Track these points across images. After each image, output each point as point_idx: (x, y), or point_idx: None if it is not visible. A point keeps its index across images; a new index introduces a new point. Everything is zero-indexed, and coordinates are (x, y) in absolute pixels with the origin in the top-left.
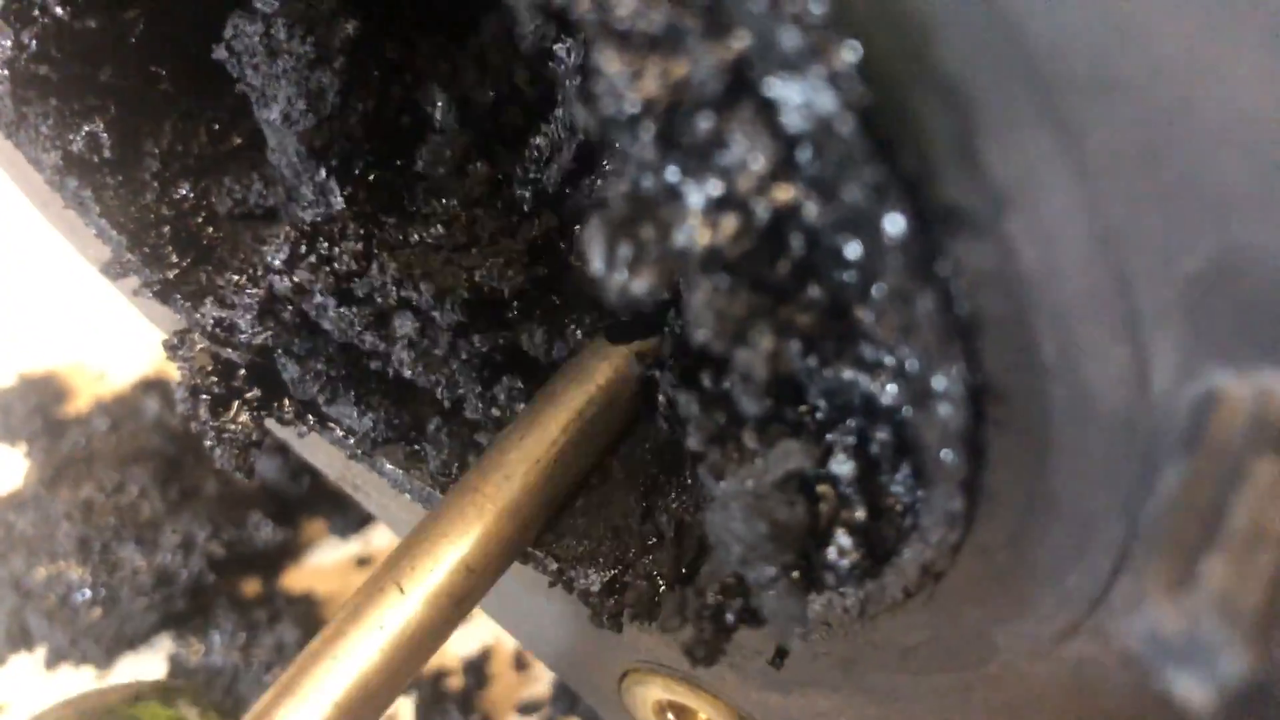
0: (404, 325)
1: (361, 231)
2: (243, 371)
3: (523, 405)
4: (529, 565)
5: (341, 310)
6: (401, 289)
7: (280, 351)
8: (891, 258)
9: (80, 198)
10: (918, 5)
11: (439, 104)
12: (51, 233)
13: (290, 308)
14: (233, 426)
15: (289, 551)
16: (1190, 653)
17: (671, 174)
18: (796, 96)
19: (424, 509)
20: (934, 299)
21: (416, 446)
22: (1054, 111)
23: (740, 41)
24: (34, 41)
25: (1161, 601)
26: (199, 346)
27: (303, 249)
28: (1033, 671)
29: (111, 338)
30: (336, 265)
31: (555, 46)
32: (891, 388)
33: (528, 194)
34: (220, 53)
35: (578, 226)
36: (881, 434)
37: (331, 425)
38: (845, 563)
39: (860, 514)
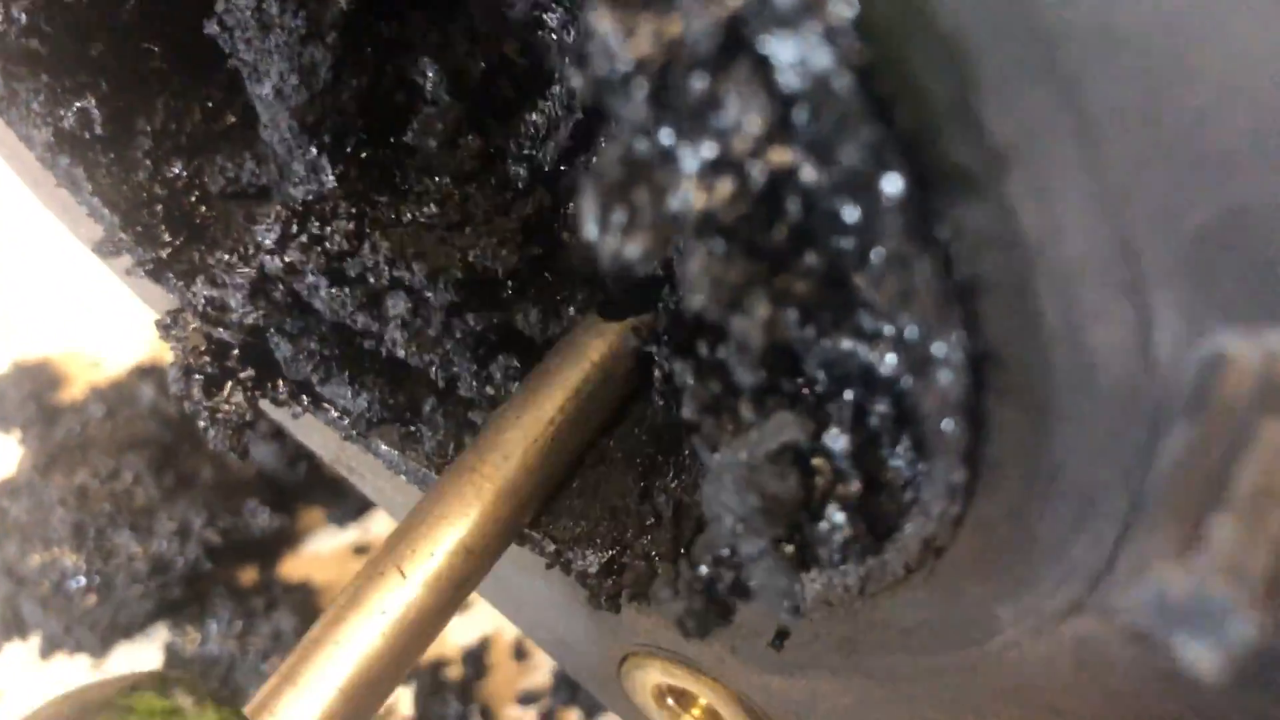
0: (396, 305)
1: (353, 210)
2: (236, 351)
3: (517, 384)
4: (527, 548)
5: (333, 290)
6: (394, 269)
7: (273, 330)
8: (890, 221)
9: (72, 175)
10: None
11: (430, 75)
12: (45, 220)
13: (281, 287)
14: (226, 407)
15: (286, 539)
16: (1198, 617)
17: (665, 136)
18: (792, 54)
19: (419, 490)
20: (933, 263)
21: (412, 427)
22: (1055, 67)
23: None
24: (24, 15)
25: (1168, 566)
26: (192, 326)
27: (294, 228)
28: (1036, 650)
29: (106, 324)
30: (328, 245)
31: (545, 15)
32: (890, 357)
33: (522, 171)
34: (212, 27)
35: (572, 204)
36: (881, 405)
37: (326, 406)
38: (839, 538)
39: (855, 488)
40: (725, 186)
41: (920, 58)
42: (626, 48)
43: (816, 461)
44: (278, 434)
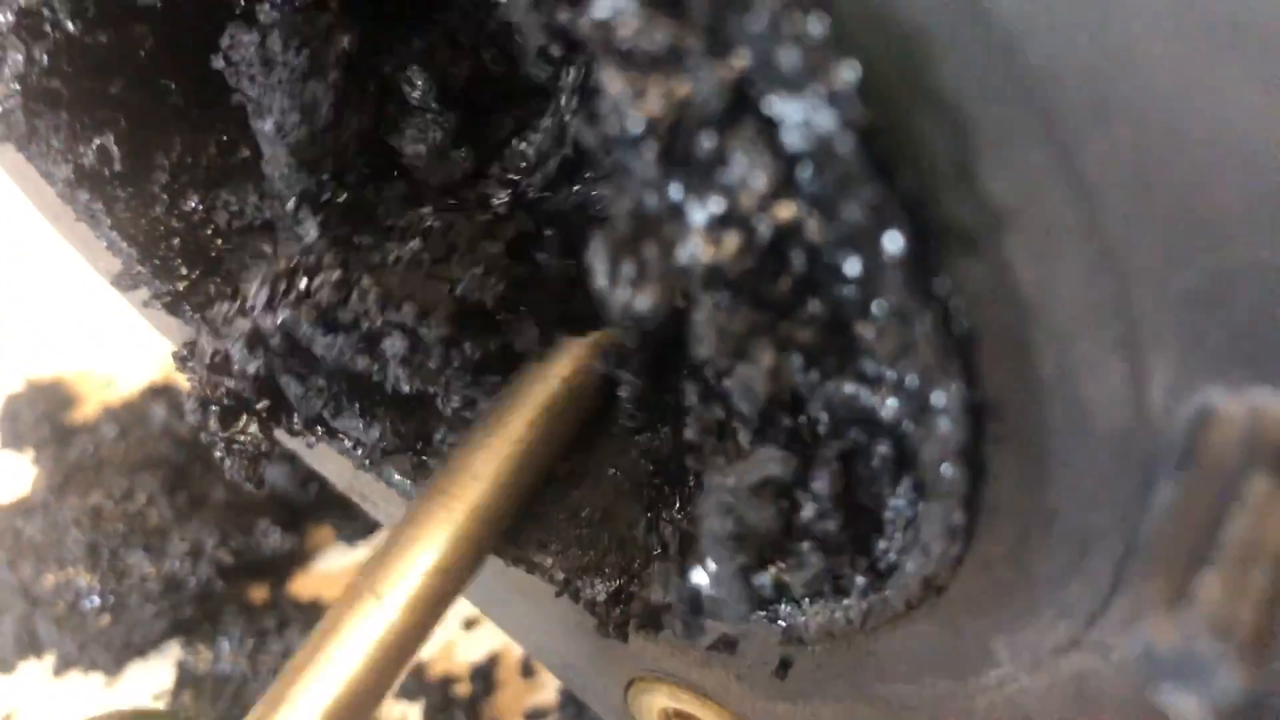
0: (394, 345)
1: (339, 258)
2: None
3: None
4: (536, 575)
5: (328, 339)
6: (385, 313)
7: (280, 372)
8: (891, 275)
9: (91, 210)
10: (916, 26)
11: (419, 84)
12: (56, 240)
13: (278, 338)
14: (242, 438)
15: (297, 558)
16: (1185, 669)
17: (674, 192)
18: (797, 115)
19: None
20: (933, 316)
21: (424, 456)
22: (1051, 132)
23: (741, 61)
24: (45, 56)
25: (1156, 618)
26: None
27: (282, 286)
28: (1034, 683)
29: (120, 344)
30: (317, 298)
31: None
32: (892, 402)
33: (504, 195)
34: (218, 62)
35: (550, 231)
36: (882, 447)
37: (340, 436)
38: (806, 574)
39: (833, 528)
40: (732, 241)
41: (921, 122)
42: (637, 108)
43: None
44: (290, 455)
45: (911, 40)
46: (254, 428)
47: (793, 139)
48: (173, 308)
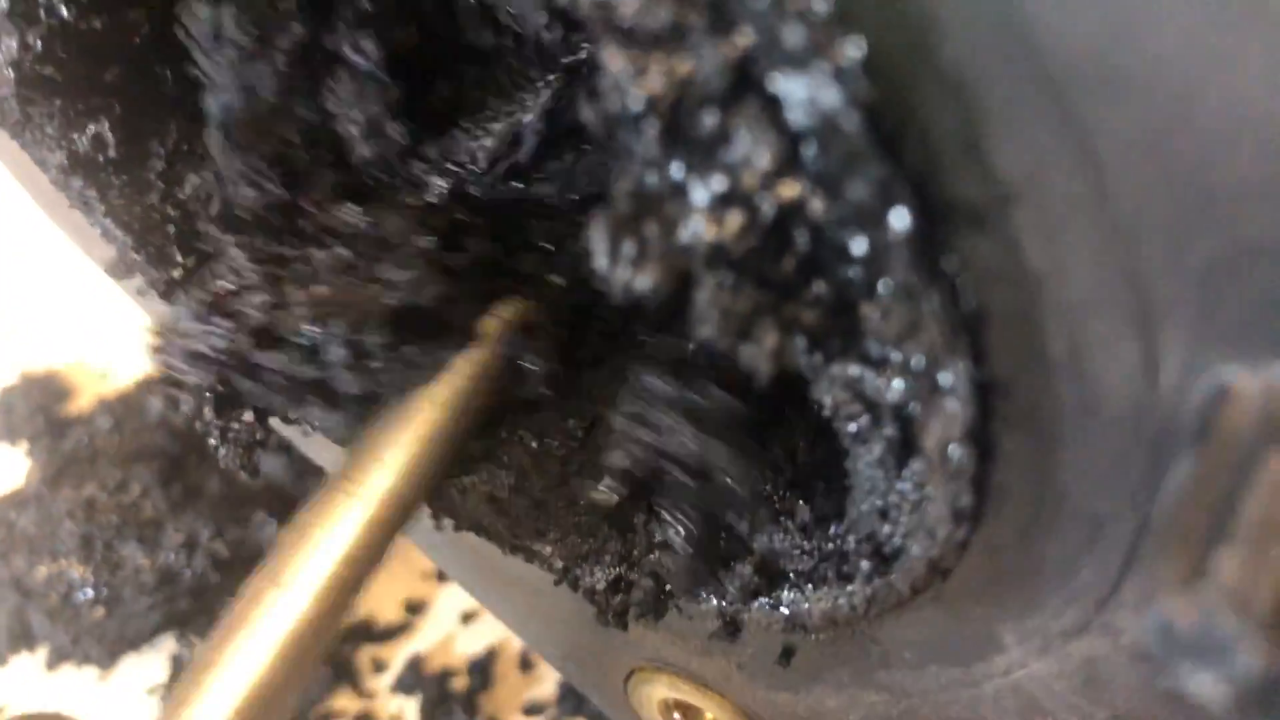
0: (334, 353)
1: (267, 276)
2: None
3: None
4: (535, 564)
5: (268, 354)
6: (318, 326)
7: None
8: (897, 253)
9: (85, 197)
10: (921, 0)
11: (368, 49)
12: (53, 231)
13: (219, 354)
14: (236, 426)
15: None
16: (1204, 648)
17: (676, 171)
18: (801, 93)
19: (426, 507)
20: (940, 295)
21: None
22: (1060, 105)
23: (744, 38)
24: (39, 42)
25: (1173, 597)
26: None
27: (209, 311)
28: (1042, 668)
29: (113, 336)
30: (248, 319)
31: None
32: (898, 383)
33: (443, 184)
34: (180, 30)
35: (480, 219)
36: (888, 429)
37: (299, 422)
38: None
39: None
40: (735, 219)
41: (927, 97)
42: (639, 86)
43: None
44: (285, 446)
45: (916, 14)
46: (248, 416)
47: (797, 116)
48: (167, 296)
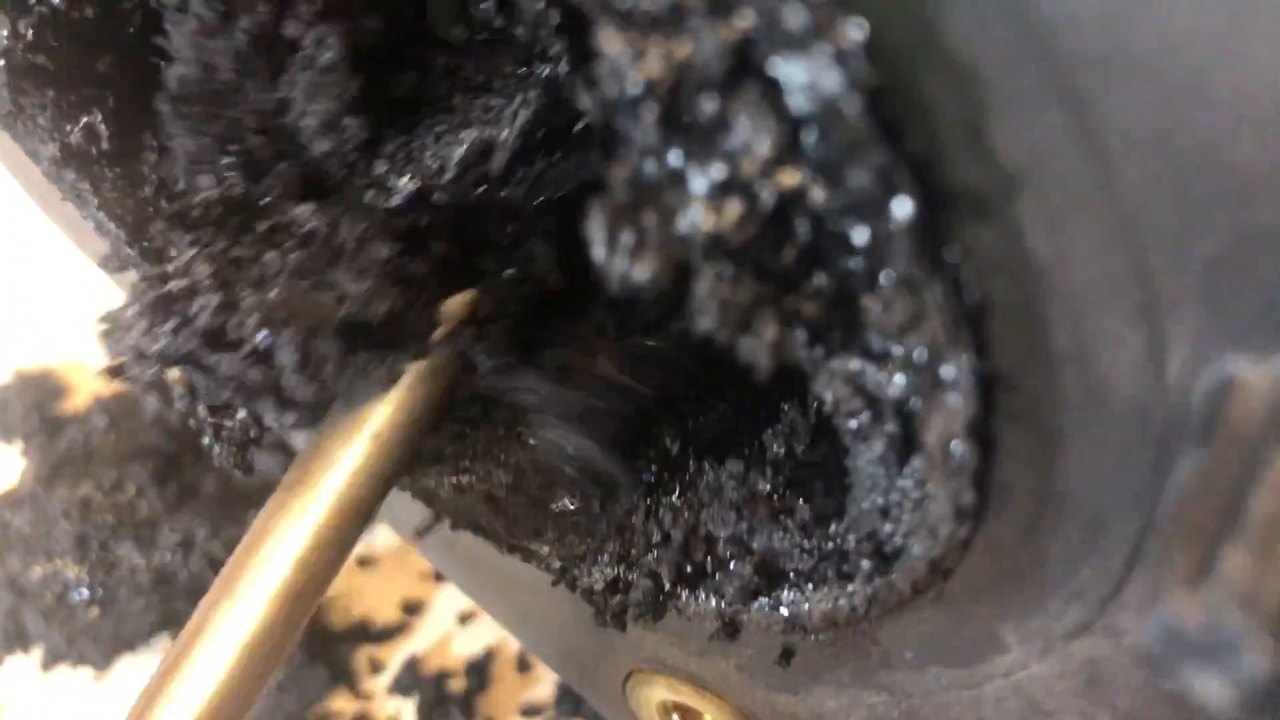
0: (285, 357)
1: (218, 278)
2: None
3: None
4: (532, 564)
5: (216, 357)
6: (269, 332)
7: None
8: (899, 243)
9: (78, 190)
10: None
11: (332, 46)
12: (48, 227)
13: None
14: (230, 423)
15: None
16: (1210, 648)
17: (674, 158)
18: (802, 77)
19: (425, 508)
20: (943, 286)
21: None
22: (1066, 90)
23: (744, 20)
24: (30, 31)
25: (1179, 595)
26: None
27: (157, 317)
28: (1043, 669)
29: None
30: (197, 324)
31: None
32: (899, 378)
33: (406, 185)
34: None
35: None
36: (889, 425)
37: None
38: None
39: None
40: (734, 208)
41: (930, 81)
42: (636, 69)
43: None
44: (281, 445)
45: None
46: (243, 412)
47: (798, 102)
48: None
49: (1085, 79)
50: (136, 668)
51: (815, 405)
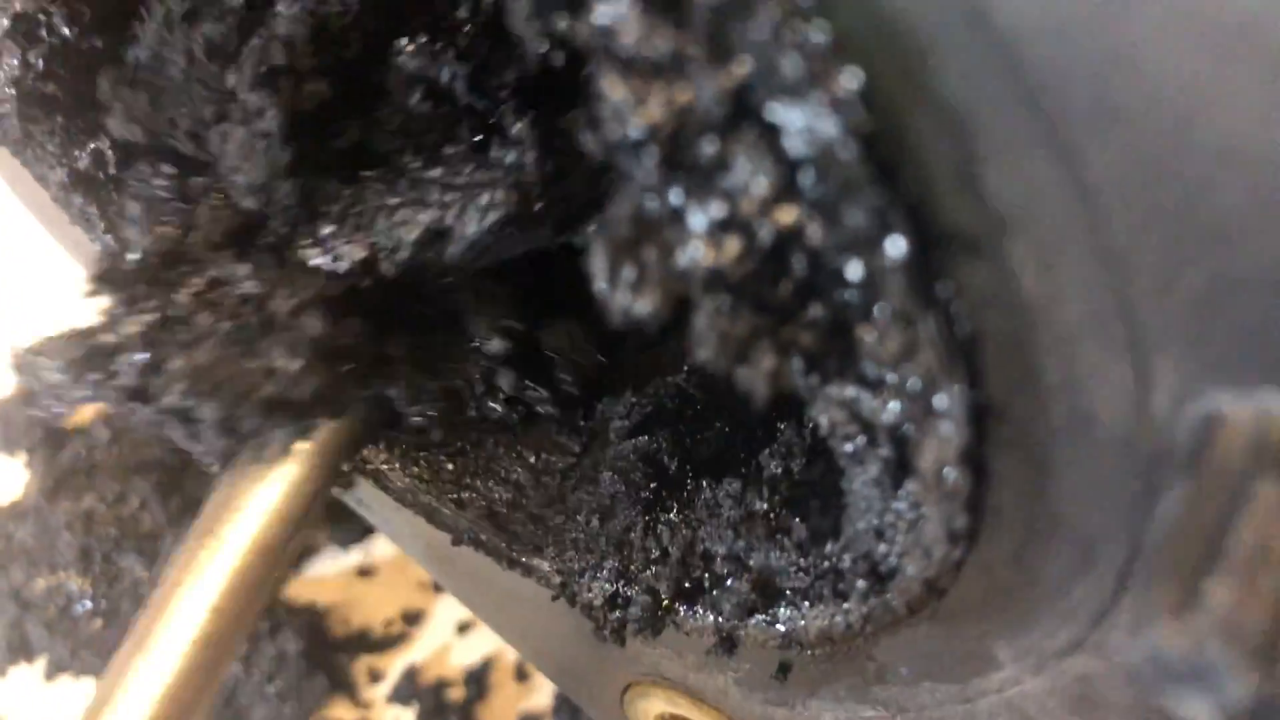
0: (205, 419)
1: (146, 337)
2: None
3: None
4: (533, 579)
5: (138, 411)
6: (191, 400)
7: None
8: (893, 279)
9: (86, 214)
10: (918, 32)
11: (264, 109)
12: (50, 243)
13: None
14: None
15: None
16: (1195, 675)
17: (675, 196)
18: (799, 121)
19: (426, 522)
20: (935, 320)
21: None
22: (1054, 137)
23: (743, 68)
24: (40, 61)
25: (1165, 623)
26: None
27: (85, 369)
28: (1036, 686)
29: None
30: (120, 381)
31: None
32: (894, 405)
33: (354, 251)
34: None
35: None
36: (884, 450)
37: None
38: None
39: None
40: (733, 245)
41: (923, 127)
42: (638, 115)
43: None
44: None
45: (913, 46)
46: None
47: (795, 145)
48: None
49: (1073, 127)
50: None
51: (812, 426)
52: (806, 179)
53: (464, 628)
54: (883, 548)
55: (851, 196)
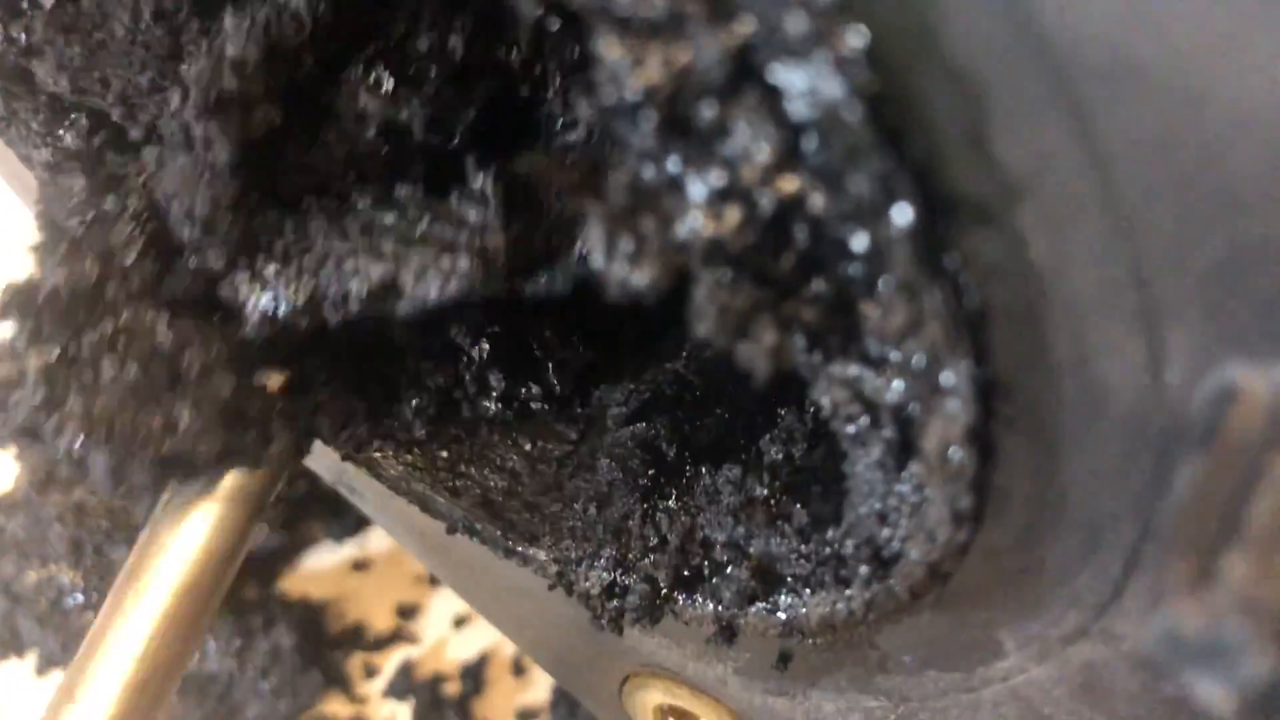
0: (97, 467)
1: (45, 373)
2: None
3: None
4: (529, 569)
5: (33, 447)
6: (82, 447)
7: None
8: (899, 250)
9: None
10: None
11: (217, 144)
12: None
13: None
14: None
15: (284, 556)
16: (1211, 653)
17: (673, 164)
18: (802, 83)
19: (421, 511)
20: (942, 292)
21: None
22: (1068, 98)
23: (744, 27)
24: (23, 36)
25: (1180, 601)
26: None
27: None
28: (1041, 674)
29: None
30: (13, 417)
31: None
32: (898, 383)
33: (293, 296)
34: None
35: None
36: (887, 431)
37: None
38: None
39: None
40: (733, 214)
41: (931, 89)
42: (635, 76)
43: None
44: None
45: (921, 3)
46: None
47: (798, 108)
48: None
49: (1087, 88)
50: None
51: (813, 410)
52: (810, 145)
53: (460, 622)
54: (885, 532)
55: (856, 163)
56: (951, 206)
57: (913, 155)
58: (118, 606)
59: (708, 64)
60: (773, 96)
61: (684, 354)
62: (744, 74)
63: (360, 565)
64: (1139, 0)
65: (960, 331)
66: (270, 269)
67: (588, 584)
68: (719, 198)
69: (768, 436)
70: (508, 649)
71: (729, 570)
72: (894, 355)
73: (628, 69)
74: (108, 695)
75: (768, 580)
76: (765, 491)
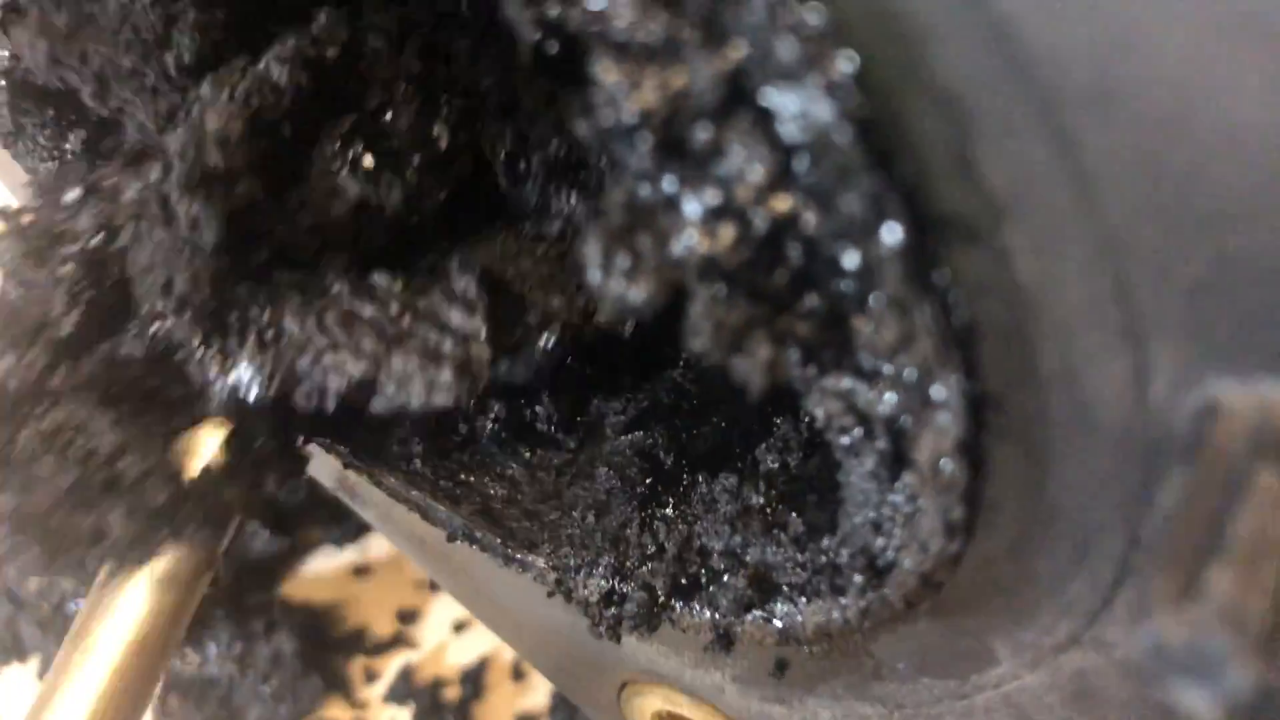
0: (20, 563)
1: None
2: None
3: None
4: (529, 576)
5: None
6: (9, 540)
7: None
8: (889, 267)
9: None
10: (914, 15)
11: (202, 222)
12: None
13: None
14: None
15: (286, 561)
16: (1196, 664)
17: (669, 183)
18: (794, 106)
19: (420, 519)
20: (932, 308)
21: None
22: (1051, 121)
23: (737, 51)
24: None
25: (1165, 613)
26: None
27: None
28: (1034, 681)
29: None
30: None
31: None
32: (890, 396)
33: (260, 381)
34: None
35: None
36: (880, 442)
37: None
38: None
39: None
40: (728, 233)
41: (919, 112)
42: (632, 99)
43: None
44: None
45: (909, 28)
46: None
47: (790, 130)
48: None
49: (1070, 111)
50: None
51: (808, 420)
52: (801, 165)
53: (460, 627)
54: (880, 541)
55: (847, 183)
56: (940, 226)
57: (902, 176)
58: (65, 665)
59: (702, 87)
60: (765, 119)
61: (681, 363)
62: (737, 97)
63: (361, 570)
64: (1120, 25)
65: (950, 346)
66: (244, 350)
67: (586, 591)
68: (714, 216)
69: (764, 446)
70: (507, 654)
71: (726, 578)
72: (886, 369)
73: (625, 92)
74: None
75: (764, 588)
76: (761, 500)
